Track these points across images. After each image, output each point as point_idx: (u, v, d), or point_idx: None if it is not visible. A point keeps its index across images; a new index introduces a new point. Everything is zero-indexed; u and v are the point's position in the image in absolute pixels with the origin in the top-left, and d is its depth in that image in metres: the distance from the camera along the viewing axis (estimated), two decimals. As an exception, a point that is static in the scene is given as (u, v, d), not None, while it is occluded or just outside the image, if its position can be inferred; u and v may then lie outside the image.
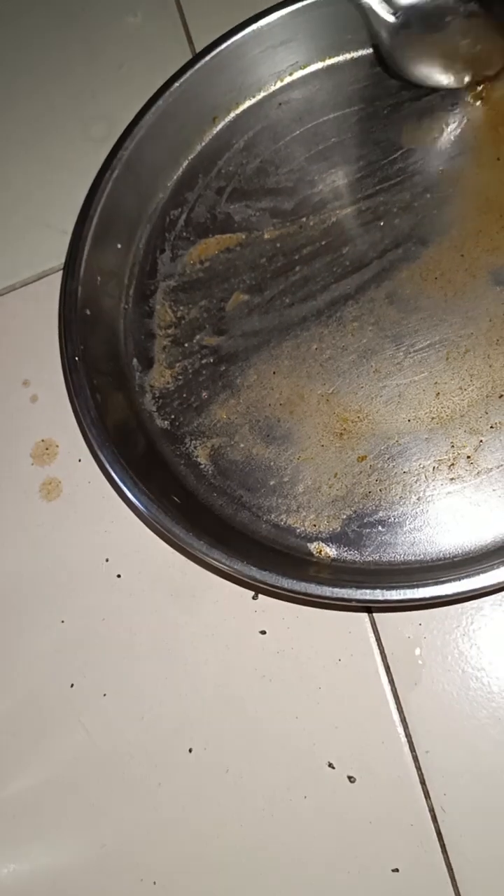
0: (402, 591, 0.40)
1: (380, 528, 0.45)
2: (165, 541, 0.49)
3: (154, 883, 0.45)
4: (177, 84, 0.53)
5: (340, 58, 0.56)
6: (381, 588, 0.40)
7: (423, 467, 0.46)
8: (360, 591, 0.40)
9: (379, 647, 0.46)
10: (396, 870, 0.43)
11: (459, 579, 0.40)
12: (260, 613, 0.48)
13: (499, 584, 0.39)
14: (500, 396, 0.46)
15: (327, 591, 0.41)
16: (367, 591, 0.40)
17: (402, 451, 0.47)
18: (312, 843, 0.44)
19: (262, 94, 0.57)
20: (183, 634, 0.48)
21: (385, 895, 0.42)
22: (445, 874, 0.42)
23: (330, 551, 0.46)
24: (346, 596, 0.41)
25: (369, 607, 0.46)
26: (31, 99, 0.63)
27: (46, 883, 0.46)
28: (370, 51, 0.55)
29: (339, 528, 0.46)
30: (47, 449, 0.54)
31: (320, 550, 0.46)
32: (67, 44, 0.64)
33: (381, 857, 0.43)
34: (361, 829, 0.43)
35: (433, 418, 0.47)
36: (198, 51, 0.55)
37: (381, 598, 0.40)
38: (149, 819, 0.46)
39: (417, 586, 0.40)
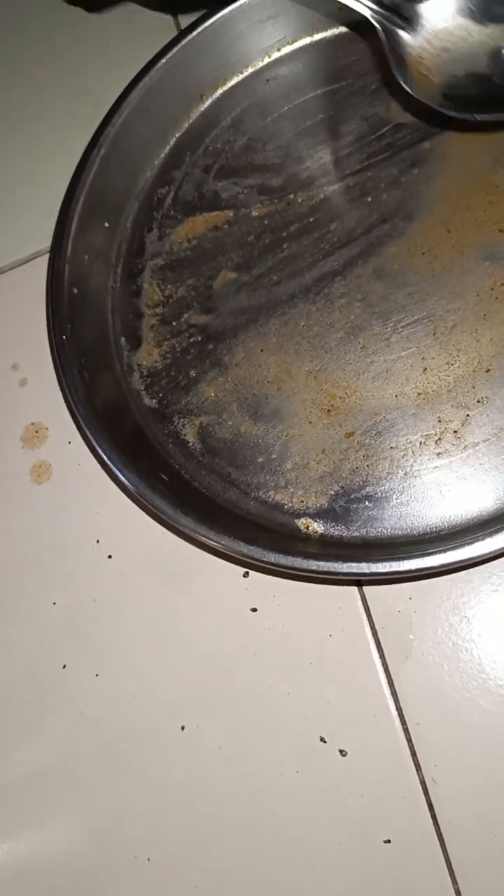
0: (388, 564, 0.40)
1: (367, 503, 0.45)
2: (155, 519, 0.50)
3: (148, 859, 0.45)
4: (163, 61, 0.53)
5: (328, 33, 0.56)
6: (368, 561, 0.40)
7: (410, 442, 0.46)
8: (346, 565, 0.41)
9: (369, 622, 0.46)
10: (388, 841, 0.43)
11: (445, 551, 0.40)
12: (251, 591, 0.48)
13: (484, 554, 0.39)
14: (487, 371, 0.46)
15: (314, 564, 0.41)
16: (354, 564, 0.40)
17: (389, 426, 0.47)
18: (305, 817, 0.44)
19: (250, 70, 0.56)
20: (174, 613, 0.49)
21: (377, 866, 0.43)
22: (437, 844, 0.42)
23: (318, 527, 0.46)
24: (332, 569, 0.41)
25: (358, 581, 0.46)
26: (16, 80, 0.63)
27: (41, 861, 0.46)
28: (357, 26, 0.55)
29: (327, 504, 0.46)
30: (37, 432, 0.54)
31: (308, 526, 0.46)
32: (52, 23, 0.64)
33: (372, 829, 0.43)
34: (353, 802, 0.44)
35: (420, 394, 0.47)
36: (183, 27, 0.54)
37: (367, 570, 0.40)
38: (142, 796, 0.46)
39: (403, 559, 0.40)
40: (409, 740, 0.44)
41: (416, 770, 0.43)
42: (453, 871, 0.42)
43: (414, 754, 0.44)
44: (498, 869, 0.41)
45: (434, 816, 0.43)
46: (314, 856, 0.43)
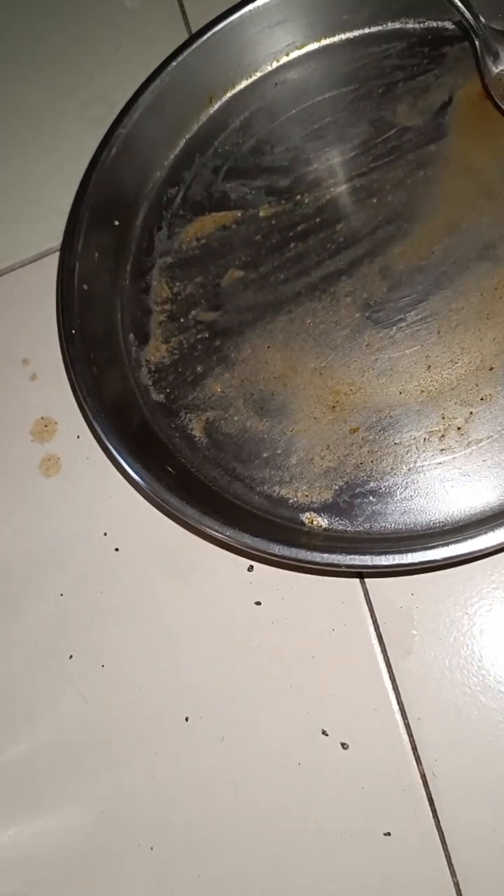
0: (391, 557, 0.40)
1: (371, 498, 0.46)
2: (162, 512, 0.50)
3: (151, 848, 0.46)
4: (174, 64, 0.54)
5: (336, 38, 0.57)
6: (372, 554, 0.41)
7: (415, 438, 0.47)
8: (350, 557, 0.41)
9: (372, 617, 0.46)
10: (388, 833, 0.43)
11: (448, 545, 0.40)
12: (255, 585, 0.48)
13: (487, 548, 0.40)
14: (491, 369, 0.47)
15: (318, 557, 0.41)
16: (357, 556, 0.41)
17: (393, 422, 0.47)
18: (306, 809, 0.44)
19: (259, 74, 0.57)
20: (180, 606, 0.49)
21: (377, 858, 0.43)
22: (436, 838, 0.42)
23: (322, 521, 0.46)
24: (336, 562, 0.41)
25: (361, 574, 0.46)
26: (30, 81, 0.64)
27: (45, 848, 0.47)
28: (366, 31, 0.56)
29: (331, 499, 0.47)
30: (46, 426, 0.55)
31: (312, 520, 0.46)
32: (66, 26, 0.65)
33: (373, 822, 0.43)
34: (354, 795, 0.44)
35: (424, 391, 0.47)
36: (194, 31, 0.55)
37: (370, 563, 0.41)
38: (146, 786, 0.47)
39: (407, 552, 0.40)
40: (410, 734, 0.44)
41: (417, 764, 0.44)
42: (452, 864, 0.42)
43: (414, 748, 0.44)
44: (497, 862, 0.42)
45: (434, 810, 0.43)
46: (314, 847, 0.44)
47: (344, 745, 0.45)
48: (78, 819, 0.47)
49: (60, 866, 0.46)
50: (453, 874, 0.42)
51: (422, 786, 0.43)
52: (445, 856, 0.42)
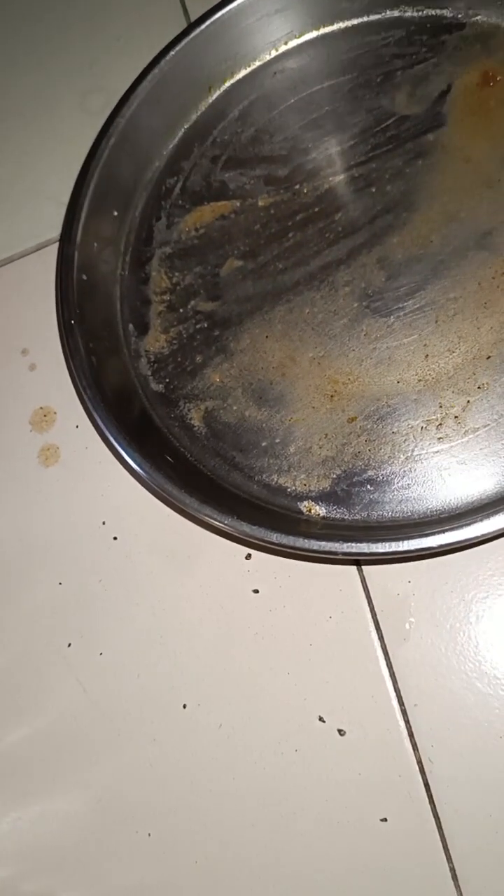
0: (388, 544, 0.41)
1: (369, 486, 0.46)
2: (161, 500, 0.50)
3: (149, 835, 0.46)
4: (172, 53, 0.54)
5: (335, 27, 0.57)
6: (368, 541, 0.41)
7: (412, 427, 0.47)
8: (347, 545, 0.41)
9: (369, 604, 0.46)
10: (385, 819, 0.43)
11: (444, 532, 0.40)
12: (253, 573, 0.49)
13: (482, 535, 0.40)
14: (488, 358, 0.47)
15: (315, 544, 0.42)
16: (355, 544, 0.41)
17: (391, 411, 0.47)
18: (303, 795, 0.45)
19: (257, 63, 0.57)
20: (178, 594, 0.49)
21: (373, 844, 0.43)
22: (433, 823, 0.43)
23: (320, 510, 0.46)
24: (334, 549, 0.41)
25: (358, 562, 0.47)
26: (29, 72, 0.64)
27: (44, 835, 0.47)
28: (364, 19, 0.56)
29: (329, 487, 0.47)
30: (45, 416, 0.55)
31: (310, 509, 0.46)
32: (63, 16, 0.65)
33: (369, 808, 0.44)
34: (351, 781, 0.44)
35: (422, 380, 0.48)
36: (193, 20, 0.55)
37: (367, 550, 0.41)
38: (144, 773, 0.47)
39: (403, 539, 0.41)
40: (407, 721, 0.44)
41: (413, 750, 0.44)
42: (449, 851, 0.42)
43: (411, 735, 0.44)
44: (493, 848, 0.42)
45: (430, 796, 0.43)
46: (311, 834, 0.44)
47: (341, 732, 0.45)
48: (76, 806, 0.47)
49: (58, 852, 0.47)
50: (449, 860, 0.42)
51: (418, 772, 0.44)
52: (441, 842, 0.42)
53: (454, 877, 0.42)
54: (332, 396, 0.48)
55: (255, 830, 0.45)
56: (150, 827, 0.46)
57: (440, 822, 0.43)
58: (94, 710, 0.48)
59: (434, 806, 0.43)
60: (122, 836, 0.46)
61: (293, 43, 0.57)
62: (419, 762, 0.44)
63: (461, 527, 0.40)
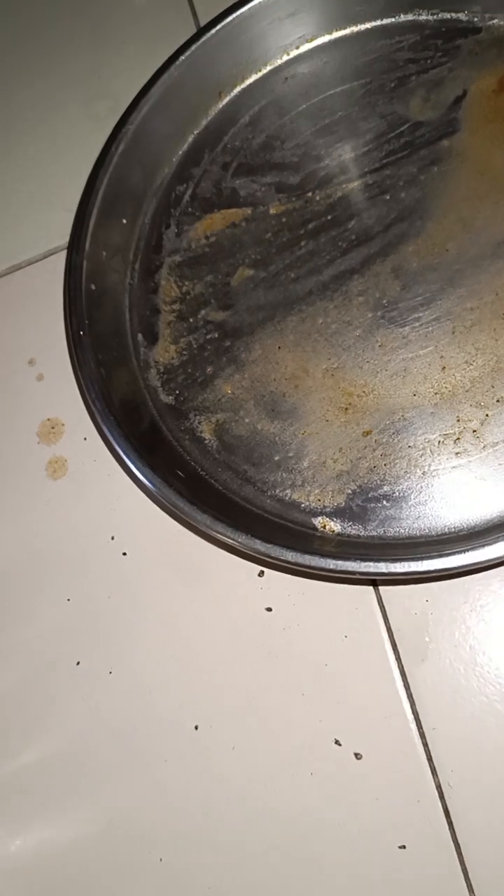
0: (406, 564, 0.39)
1: (384, 502, 0.45)
2: (171, 516, 0.49)
3: (160, 860, 0.45)
4: (182, 57, 0.53)
5: (347, 31, 0.56)
6: (386, 561, 0.40)
7: (429, 441, 0.46)
8: (364, 564, 0.40)
9: (385, 624, 0.45)
10: (403, 846, 0.42)
11: (464, 552, 0.39)
12: (266, 591, 0.48)
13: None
14: (507, 370, 0.46)
15: (331, 563, 0.40)
16: (372, 563, 0.40)
17: (407, 425, 0.46)
18: (318, 820, 0.44)
19: (269, 67, 0.56)
20: (189, 612, 0.48)
21: (392, 872, 0.42)
22: (453, 851, 0.41)
23: (335, 526, 0.45)
24: (350, 569, 0.40)
25: (375, 581, 0.46)
26: (36, 77, 0.63)
27: (53, 857, 0.46)
28: (378, 23, 0.55)
29: (344, 503, 0.46)
30: (53, 428, 0.54)
31: (325, 525, 0.45)
32: (72, 22, 0.64)
33: (387, 834, 0.43)
34: (368, 806, 0.43)
35: (438, 392, 0.46)
36: (203, 25, 0.54)
37: (385, 570, 0.40)
38: (155, 795, 0.46)
39: (422, 559, 0.39)
40: (426, 744, 0.43)
41: (433, 775, 0.43)
42: (469, 879, 0.41)
43: (430, 759, 0.43)
44: (515, 876, 0.41)
45: (450, 822, 0.42)
46: (327, 860, 0.43)
47: (357, 756, 0.44)
48: (85, 828, 0.46)
49: (67, 876, 0.46)
50: (470, 889, 0.41)
51: (437, 797, 0.42)
52: (462, 870, 0.41)
53: (475, 907, 0.40)
54: (346, 409, 0.47)
55: (269, 856, 0.44)
56: (161, 851, 0.45)
57: (461, 850, 0.41)
58: (103, 731, 0.47)
59: (454, 833, 0.42)
60: (132, 859, 0.45)
61: (305, 47, 0.56)
62: (438, 787, 0.42)
63: (482, 546, 0.39)
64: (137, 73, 0.53)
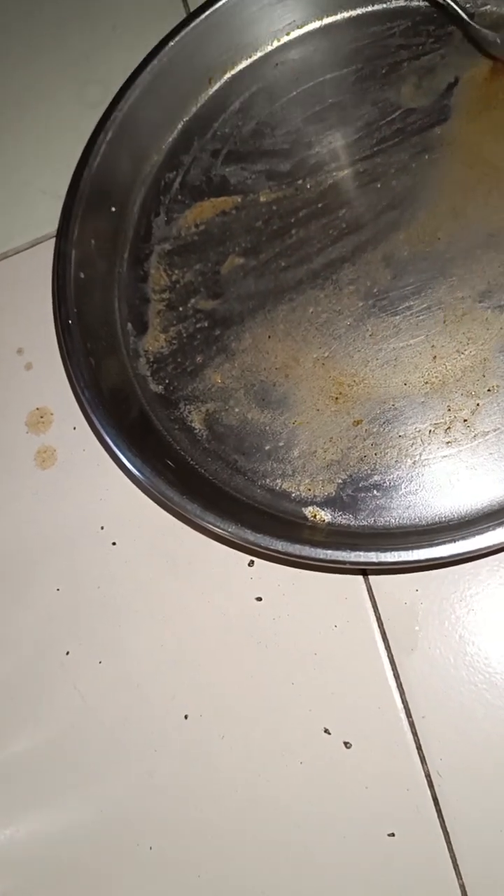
0: (397, 553, 0.39)
1: (375, 492, 0.45)
2: (161, 506, 0.49)
3: (150, 848, 0.45)
4: (171, 43, 0.52)
5: (338, 16, 0.55)
6: (376, 550, 0.40)
7: (419, 431, 0.45)
8: (354, 553, 0.40)
9: (375, 613, 0.45)
10: (392, 834, 0.42)
11: (454, 541, 0.39)
12: (256, 581, 0.47)
13: (494, 545, 0.39)
14: (498, 359, 0.46)
15: (321, 553, 0.40)
16: (362, 553, 0.40)
17: (397, 414, 0.46)
18: (308, 809, 0.44)
19: (259, 54, 0.56)
20: (179, 602, 0.48)
21: (381, 859, 0.42)
22: (441, 838, 0.42)
23: (325, 515, 0.45)
24: (340, 558, 0.40)
25: (365, 571, 0.46)
26: (24, 64, 0.63)
27: (43, 847, 0.46)
28: (369, 8, 0.54)
29: (334, 493, 0.45)
30: (42, 417, 0.54)
31: (315, 515, 0.45)
32: (60, 6, 0.63)
33: (376, 822, 0.43)
34: (357, 795, 0.43)
35: (429, 382, 0.46)
36: (192, 10, 0.54)
37: (375, 560, 0.40)
38: (145, 785, 0.46)
39: (412, 548, 0.39)
40: (415, 733, 0.43)
41: (422, 763, 0.43)
42: (458, 866, 0.41)
43: (419, 747, 0.43)
44: None
45: (439, 810, 0.42)
46: (317, 848, 0.43)
47: (347, 744, 0.44)
48: (76, 818, 0.46)
49: (58, 865, 0.46)
50: (459, 876, 0.41)
51: (426, 785, 0.43)
52: (451, 857, 0.41)
53: (464, 893, 0.41)
54: (336, 399, 0.47)
55: (259, 844, 0.44)
56: (151, 840, 0.45)
57: (449, 837, 0.42)
58: (93, 720, 0.47)
59: (443, 821, 0.42)
60: (122, 849, 0.45)
61: (296, 33, 0.55)
62: (427, 776, 0.43)
63: (472, 536, 0.39)
64: (128, 58, 0.53)
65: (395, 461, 0.45)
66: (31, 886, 0.46)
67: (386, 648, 0.45)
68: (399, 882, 0.42)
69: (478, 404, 0.45)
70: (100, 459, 0.51)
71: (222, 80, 0.56)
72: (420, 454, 0.45)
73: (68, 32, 0.63)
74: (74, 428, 0.53)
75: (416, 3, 0.54)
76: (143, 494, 0.50)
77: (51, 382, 0.54)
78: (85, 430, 0.52)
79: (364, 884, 0.42)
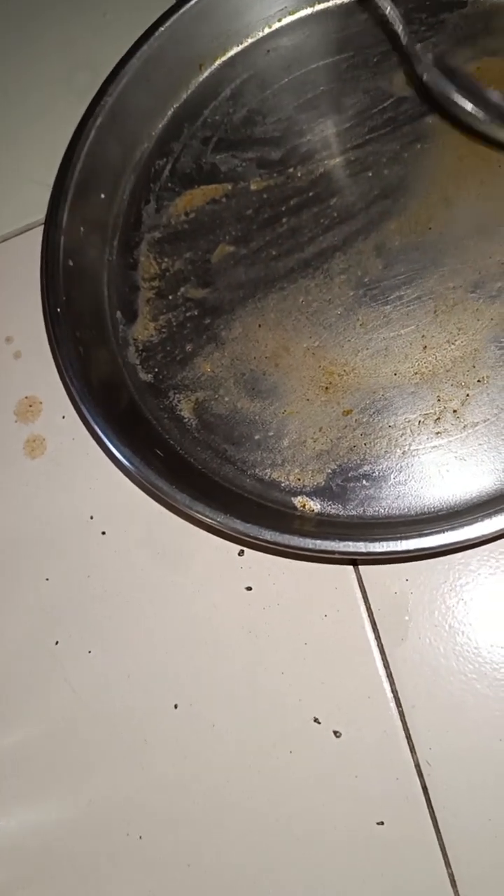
0: (386, 544, 0.39)
1: (364, 482, 0.45)
2: (150, 496, 0.49)
3: (140, 837, 0.45)
4: (161, 29, 0.52)
5: (330, 3, 0.55)
6: (366, 540, 0.40)
7: (409, 421, 0.45)
8: (344, 544, 0.40)
9: (365, 603, 0.45)
10: (381, 823, 0.42)
11: (444, 531, 0.39)
12: (246, 570, 0.47)
13: (483, 536, 0.39)
14: (488, 350, 0.46)
15: (311, 543, 0.40)
16: (352, 543, 0.40)
17: (387, 404, 0.46)
18: (298, 798, 0.44)
19: (250, 40, 0.55)
20: (169, 591, 0.48)
21: (370, 848, 0.42)
22: (430, 827, 0.42)
23: (314, 505, 0.45)
24: (330, 548, 0.40)
25: (355, 561, 0.45)
26: (13, 48, 0.62)
27: (33, 838, 0.46)
28: (361, -5, 0.54)
29: (324, 483, 0.45)
30: (31, 406, 0.53)
31: (304, 504, 0.45)
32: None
33: (366, 811, 0.43)
34: (347, 784, 0.43)
35: (419, 372, 0.46)
36: (183, -5, 0.53)
37: (364, 550, 0.40)
38: (135, 775, 0.46)
39: (402, 538, 0.39)
40: (404, 723, 0.43)
41: (411, 752, 0.43)
42: (447, 855, 0.41)
43: (409, 737, 0.43)
44: (492, 852, 0.41)
45: (428, 799, 0.42)
46: (306, 837, 0.43)
47: (337, 734, 0.44)
48: (66, 808, 0.46)
49: (48, 856, 0.46)
50: (448, 864, 0.41)
51: (416, 774, 0.43)
52: (440, 846, 0.41)
53: (453, 882, 0.41)
54: (326, 388, 0.47)
55: (249, 833, 0.44)
56: (141, 829, 0.45)
57: (438, 826, 0.42)
58: (83, 711, 0.47)
59: (432, 809, 0.42)
60: (113, 839, 0.45)
61: (287, 20, 0.55)
62: (417, 765, 0.43)
63: (461, 526, 0.39)
64: (118, 44, 0.52)
65: (385, 451, 0.45)
66: (22, 877, 0.46)
67: (376, 638, 0.45)
68: (388, 870, 0.42)
69: (468, 395, 0.45)
70: (89, 449, 0.51)
71: (213, 67, 0.55)
72: (410, 444, 0.45)
73: (57, 17, 0.62)
74: (64, 417, 0.52)
75: (409, -9, 0.53)
76: (132, 484, 0.50)
77: (40, 371, 0.53)
78: (74, 419, 0.52)
79: (353, 872, 0.42)
